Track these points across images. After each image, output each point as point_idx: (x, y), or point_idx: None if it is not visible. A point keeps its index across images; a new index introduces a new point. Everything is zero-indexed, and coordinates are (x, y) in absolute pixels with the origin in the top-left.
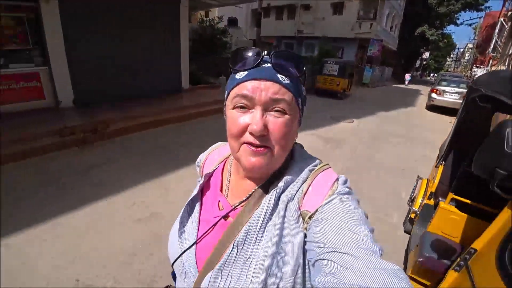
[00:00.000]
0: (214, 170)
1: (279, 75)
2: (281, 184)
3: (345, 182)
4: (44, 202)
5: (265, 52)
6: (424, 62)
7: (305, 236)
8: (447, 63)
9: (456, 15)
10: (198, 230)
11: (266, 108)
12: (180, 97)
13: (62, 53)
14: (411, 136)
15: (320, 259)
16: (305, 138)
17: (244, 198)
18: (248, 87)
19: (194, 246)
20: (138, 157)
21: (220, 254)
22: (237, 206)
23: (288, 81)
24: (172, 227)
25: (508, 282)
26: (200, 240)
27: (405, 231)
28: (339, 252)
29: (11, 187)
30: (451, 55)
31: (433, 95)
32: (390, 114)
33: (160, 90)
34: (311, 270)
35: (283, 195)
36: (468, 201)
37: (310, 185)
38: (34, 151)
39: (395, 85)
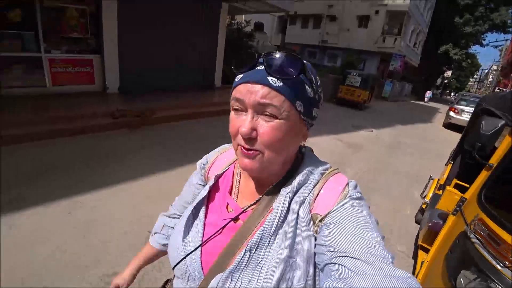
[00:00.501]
0: (224, 171)
1: (270, 78)
2: (292, 186)
3: (356, 186)
4: (107, 171)
5: (263, 54)
6: (446, 81)
7: (315, 239)
8: (469, 83)
9: (482, 36)
10: (203, 233)
11: (257, 111)
12: (213, 94)
13: (114, 45)
14: (425, 148)
15: (330, 263)
16: (329, 142)
17: (254, 201)
18: (241, 90)
19: (199, 249)
20: (182, 141)
21: (230, 257)
22: (247, 208)
23: (280, 84)
24: (174, 229)
25: (484, 211)
26: (206, 243)
27: (416, 222)
28: (351, 257)
29: (84, 156)
30: (475, 76)
31: (451, 113)
32: (407, 128)
33: (195, 85)
34: (320, 274)
35: (295, 198)
36: (467, 185)
37: (321, 188)
38: (90, 129)
39: (414, 101)
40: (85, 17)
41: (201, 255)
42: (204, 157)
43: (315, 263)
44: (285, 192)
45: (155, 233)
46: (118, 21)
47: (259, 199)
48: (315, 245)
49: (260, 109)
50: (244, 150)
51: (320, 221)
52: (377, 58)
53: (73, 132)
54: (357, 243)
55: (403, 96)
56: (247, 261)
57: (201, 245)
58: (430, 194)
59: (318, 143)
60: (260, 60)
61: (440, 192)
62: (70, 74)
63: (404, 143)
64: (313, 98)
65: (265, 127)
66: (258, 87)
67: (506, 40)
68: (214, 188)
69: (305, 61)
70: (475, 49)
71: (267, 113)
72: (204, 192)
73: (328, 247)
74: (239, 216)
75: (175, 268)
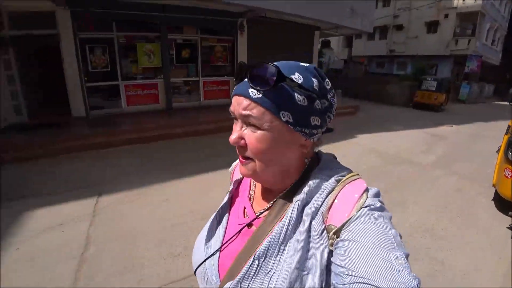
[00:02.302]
0: (243, 177)
1: (250, 90)
2: (303, 194)
3: (377, 194)
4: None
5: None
6: None
7: (330, 253)
8: None
9: None
10: (224, 237)
11: (244, 122)
12: None
13: None
14: None
15: None
16: (414, 134)
17: (266, 207)
18: (233, 101)
19: (217, 254)
20: None
21: (241, 265)
22: (259, 215)
23: (259, 96)
24: (200, 233)
25: None
26: (224, 248)
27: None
28: (369, 285)
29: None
30: None
31: None
32: (488, 124)
33: None
34: None
35: (307, 207)
36: None
37: (336, 197)
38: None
39: (498, 102)
40: (226, 50)
41: (219, 259)
42: (233, 163)
43: (328, 280)
44: (295, 200)
45: None
46: (247, 51)
47: (270, 206)
48: (331, 262)
49: (245, 120)
50: (240, 158)
51: (335, 233)
52: (449, 61)
53: (210, 131)
54: (378, 267)
55: (483, 98)
56: (256, 270)
57: (219, 250)
58: None
59: (406, 135)
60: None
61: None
62: (216, 92)
63: (484, 135)
64: (308, 106)
65: (250, 137)
66: (241, 99)
67: None
68: (236, 193)
69: (307, 64)
70: None
71: (250, 123)
72: (226, 197)
73: (345, 269)
74: (253, 222)
75: (196, 271)
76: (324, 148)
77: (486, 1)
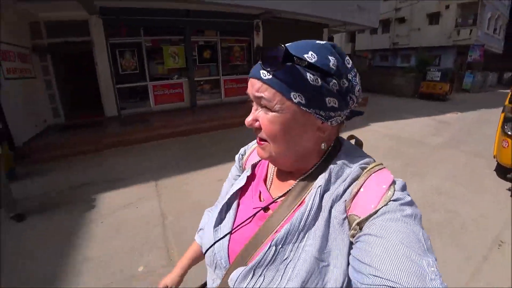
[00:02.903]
0: (260, 160)
1: (261, 71)
2: (325, 179)
3: (404, 187)
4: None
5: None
6: None
7: (351, 244)
8: None
9: None
10: (234, 220)
11: (259, 104)
12: None
13: None
14: None
15: None
16: (422, 121)
17: (285, 191)
18: (248, 84)
19: (227, 237)
20: None
21: (255, 250)
22: (277, 199)
23: (270, 77)
24: (209, 218)
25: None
26: (235, 231)
27: None
28: None
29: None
30: None
31: None
32: (492, 110)
33: None
34: None
35: (327, 193)
36: None
37: (362, 185)
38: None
39: (503, 90)
40: (243, 50)
41: (229, 243)
42: (242, 149)
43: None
44: (317, 185)
45: (200, 229)
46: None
47: (288, 191)
48: (350, 253)
49: (258, 101)
50: (258, 140)
51: (358, 224)
52: (452, 51)
53: (233, 125)
54: (409, 272)
55: (487, 87)
56: (272, 256)
57: (230, 233)
58: None
59: (415, 122)
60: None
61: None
62: (235, 89)
63: (488, 120)
64: (322, 86)
65: (263, 119)
66: (254, 81)
67: None
68: (250, 178)
69: (323, 42)
70: None
71: (263, 105)
72: (241, 181)
73: (370, 268)
74: (270, 206)
75: (205, 255)
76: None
77: None
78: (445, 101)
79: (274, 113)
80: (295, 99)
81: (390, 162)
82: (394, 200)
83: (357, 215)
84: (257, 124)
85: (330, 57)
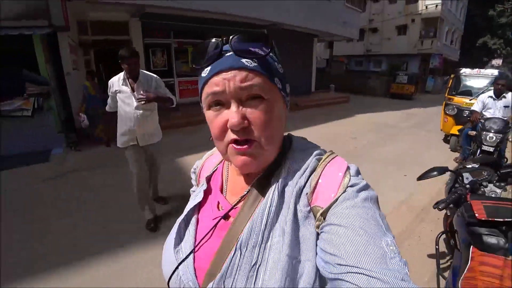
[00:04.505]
0: (213, 172)
1: (243, 60)
2: (283, 175)
3: (358, 172)
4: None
5: (224, 40)
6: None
7: (317, 235)
8: None
9: None
10: (195, 237)
11: (240, 98)
12: (311, 95)
13: None
14: None
15: (339, 279)
16: (394, 113)
17: (243, 194)
18: (216, 82)
19: (191, 256)
20: (314, 121)
21: (222, 260)
22: (236, 204)
23: (256, 64)
24: (166, 241)
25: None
26: (199, 248)
27: None
28: (364, 275)
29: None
30: None
31: None
32: None
33: (300, 91)
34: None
35: (288, 188)
36: None
37: (319, 176)
38: None
39: None
40: None
41: (194, 262)
42: (195, 163)
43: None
44: (275, 181)
45: None
46: None
47: (247, 193)
48: (317, 245)
49: (242, 95)
50: (236, 147)
51: (322, 215)
52: (417, 58)
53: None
54: (370, 254)
55: (445, 89)
56: (239, 262)
57: (193, 251)
58: None
59: (389, 113)
60: (226, 47)
61: None
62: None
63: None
64: (283, 73)
65: (255, 112)
66: (234, 72)
67: None
68: (207, 192)
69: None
70: None
71: (252, 95)
72: (197, 197)
73: (335, 258)
74: (230, 213)
75: (169, 282)
76: (335, 124)
77: (444, 8)
78: (411, 100)
79: (266, 101)
80: (278, 84)
81: (375, 135)
82: (351, 186)
83: (319, 206)
84: (246, 122)
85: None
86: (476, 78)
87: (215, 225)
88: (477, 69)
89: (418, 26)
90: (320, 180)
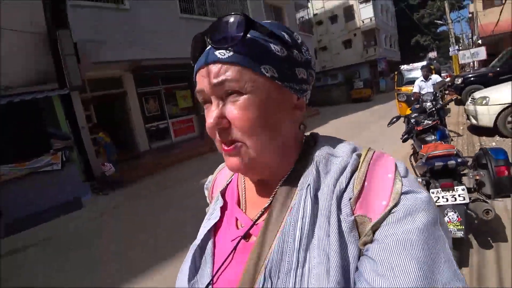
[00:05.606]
0: (228, 183)
1: (217, 52)
2: (312, 176)
3: (406, 171)
4: None
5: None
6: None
7: (360, 251)
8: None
9: (441, 20)
10: (213, 265)
11: (219, 95)
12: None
13: None
14: None
15: None
16: (360, 113)
17: (266, 205)
18: (197, 79)
19: None
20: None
21: None
22: (257, 219)
23: (230, 54)
24: (180, 272)
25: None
26: (218, 278)
27: None
28: None
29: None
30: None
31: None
32: None
33: None
34: None
35: (322, 192)
36: None
37: (365, 177)
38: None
39: None
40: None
41: None
42: (208, 178)
43: None
44: (304, 185)
45: None
46: None
47: (269, 204)
48: (357, 267)
49: (219, 91)
50: (224, 147)
51: (372, 229)
52: (367, 65)
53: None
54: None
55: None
56: None
57: (211, 283)
58: None
59: (357, 114)
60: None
61: None
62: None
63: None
64: (289, 56)
65: (232, 109)
66: (207, 68)
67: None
68: (223, 208)
69: (268, 22)
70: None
71: (229, 91)
72: (213, 216)
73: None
74: (251, 231)
75: None
76: (315, 130)
77: (377, 20)
78: (370, 101)
79: (246, 96)
80: (267, 72)
81: (352, 130)
82: (404, 193)
83: (366, 216)
84: (224, 121)
85: (282, 32)
86: (412, 70)
87: (235, 248)
88: (411, 64)
89: (360, 38)
90: (365, 183)
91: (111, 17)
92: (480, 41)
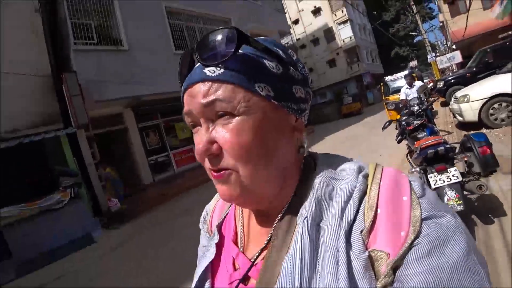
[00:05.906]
0: (225, 217)
1: (206, 69)
2: (310, 206)
3: (423, 188)
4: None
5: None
6: (416, 69)
7: None
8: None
9: (415, 31)
10: None
11: (210, 117)
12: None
13: None
14: None
15: None
16: (353, 126)
17: (264, 243)
18: (185, 100)
19: None
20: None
21: None
22: (256, 259)
23: (221, 71)
24: None
25: None
26: None
27: None
28: None
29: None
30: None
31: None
32: None
33: None
34: None
35: (326, 224)
36: None
37: (377, 204)
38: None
39: None
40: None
41: None
42: (205, 208)
43: None
44: (302, 218)
45: None
46: None
47: (268, 241)
48: None
49: (209, 112)
50: (214, 173)
51: (393, 268)
52: (353, 81)
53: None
54: None
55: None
56: None
57: None
58: None
59: (350, 128)
60: (196, 57)
61: None
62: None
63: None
64: (285, 73)
65: (224, 133)
66: (196, 88)
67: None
68: (219, 244)
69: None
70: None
71: (220, 113)
72: (209, 253)
73: None
74: (250, 274)
75: None
76: (313, 148)
77: (357, 38)
78: (361, 114)
79: (239, 118)
80: (261, 91)
81: (350, 142)
82: (425, 219)
83: (383, 251)
84: (214, 147)
85: (276, 48)
86: (396, 80)
87: None
88: (394, 74)
89: (343, 56)
90: (378, 210)
91: (111, 58)
92: (454, 46)
